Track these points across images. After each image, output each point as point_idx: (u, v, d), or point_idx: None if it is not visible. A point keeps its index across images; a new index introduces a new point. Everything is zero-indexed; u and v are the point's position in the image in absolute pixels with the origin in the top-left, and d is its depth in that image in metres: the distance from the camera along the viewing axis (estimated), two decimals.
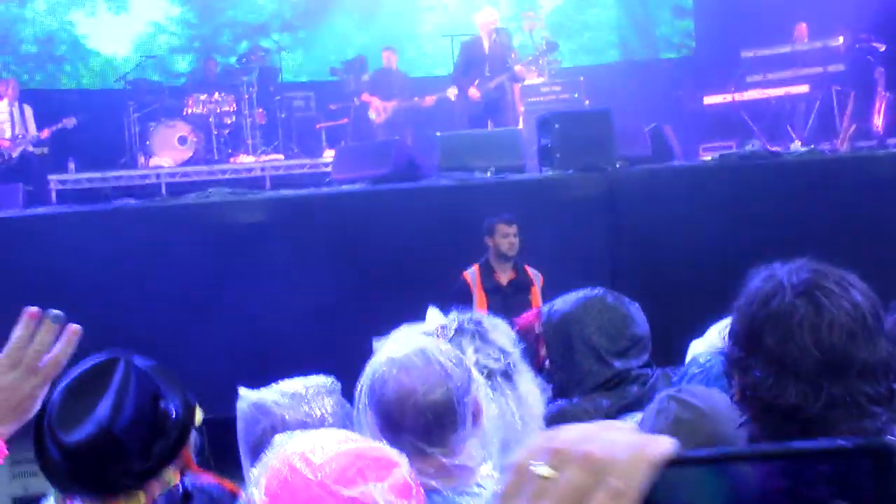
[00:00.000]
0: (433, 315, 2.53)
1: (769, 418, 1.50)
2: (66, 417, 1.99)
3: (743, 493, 0.66)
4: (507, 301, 6.35)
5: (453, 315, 2.57)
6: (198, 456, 2.34)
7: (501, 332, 2.60)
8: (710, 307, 3.30)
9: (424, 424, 1.93)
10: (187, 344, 5.79)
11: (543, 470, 0.70)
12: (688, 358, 3.10)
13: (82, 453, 1.97)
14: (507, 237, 6.72)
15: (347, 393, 2.24)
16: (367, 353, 2.13)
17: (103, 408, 2.00)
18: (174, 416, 2.11)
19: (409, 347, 2.01)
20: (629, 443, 0.69)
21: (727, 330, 1.59)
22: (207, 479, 2.28)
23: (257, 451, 2.18)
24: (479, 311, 2.70)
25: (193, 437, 2.26)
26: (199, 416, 2.25)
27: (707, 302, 3.82)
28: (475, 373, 2.08)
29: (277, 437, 1.61)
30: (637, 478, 0.67)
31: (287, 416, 2.21)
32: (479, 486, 1.94)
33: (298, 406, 2.23)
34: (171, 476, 2.15)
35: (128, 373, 2.07)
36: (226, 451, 2.43)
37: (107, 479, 2.02)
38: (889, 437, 0.67)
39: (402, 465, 1.51)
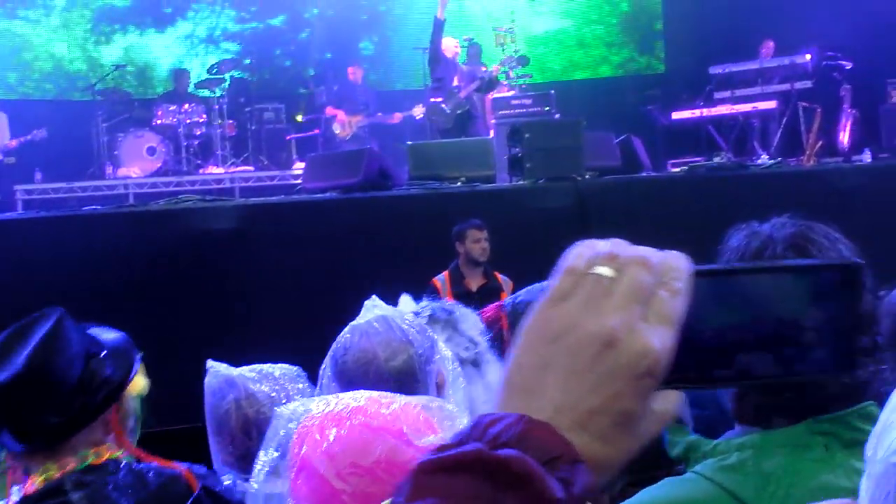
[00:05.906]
0: (405, 302, 2.53)
1: None
2: None
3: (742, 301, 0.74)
4: (477, 307, 6.32)
5: (425, 302, 2.57)
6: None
7: (471, 323, 2.62)
8: None
9: (387, 392, 1.87)
10: (155, 348, 5.72)
11: (605, 271, 0.71)
12: None
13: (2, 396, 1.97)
14: (478, 242, 6.72)
15: None
16: None
17: (24, 353, 2.01)
18: (104, 375, 2.08)
19: (371, 315, 1.98)
20: (665, 253, 0.73)
21: None
22: (149, 460, 2.16)
23: (224, 425, 2.16)
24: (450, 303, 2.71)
25: (131, 416, 2.20)
26: (141, 384, 2.20)
27: None
28: (442, 346, 2.04)
29: (279, 409, 1.50)
30: (688, 281, 0.72)
31: (255, 389, 2.18)
32: None
33: (267, 381, 2.21)
34: (93, 452, 2.09)
35: (59, 324, 2.07)
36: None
37: (24, 428, 2.01)
38: (855, 260, 0.77)
39: (461, 417, 1.45)
